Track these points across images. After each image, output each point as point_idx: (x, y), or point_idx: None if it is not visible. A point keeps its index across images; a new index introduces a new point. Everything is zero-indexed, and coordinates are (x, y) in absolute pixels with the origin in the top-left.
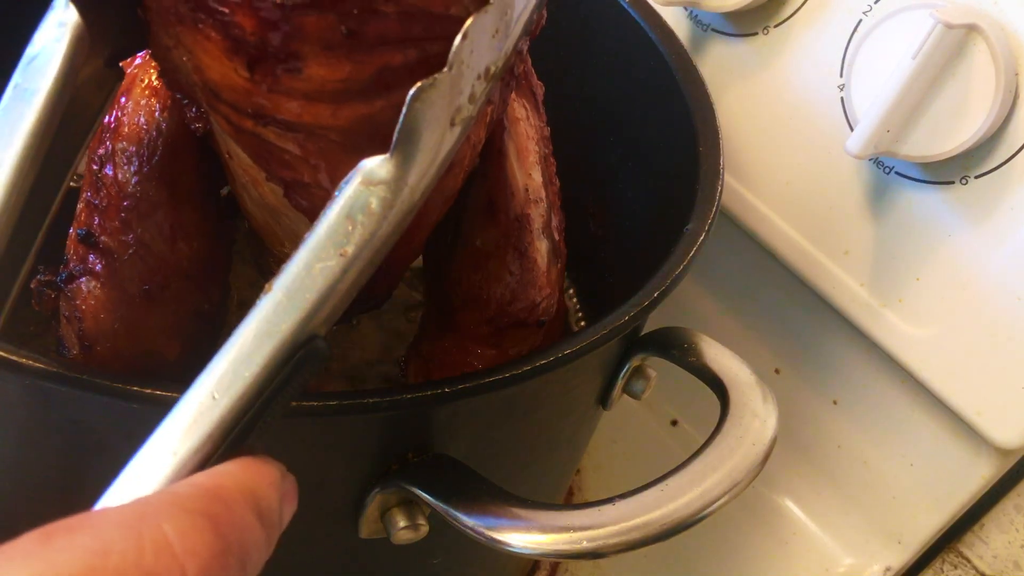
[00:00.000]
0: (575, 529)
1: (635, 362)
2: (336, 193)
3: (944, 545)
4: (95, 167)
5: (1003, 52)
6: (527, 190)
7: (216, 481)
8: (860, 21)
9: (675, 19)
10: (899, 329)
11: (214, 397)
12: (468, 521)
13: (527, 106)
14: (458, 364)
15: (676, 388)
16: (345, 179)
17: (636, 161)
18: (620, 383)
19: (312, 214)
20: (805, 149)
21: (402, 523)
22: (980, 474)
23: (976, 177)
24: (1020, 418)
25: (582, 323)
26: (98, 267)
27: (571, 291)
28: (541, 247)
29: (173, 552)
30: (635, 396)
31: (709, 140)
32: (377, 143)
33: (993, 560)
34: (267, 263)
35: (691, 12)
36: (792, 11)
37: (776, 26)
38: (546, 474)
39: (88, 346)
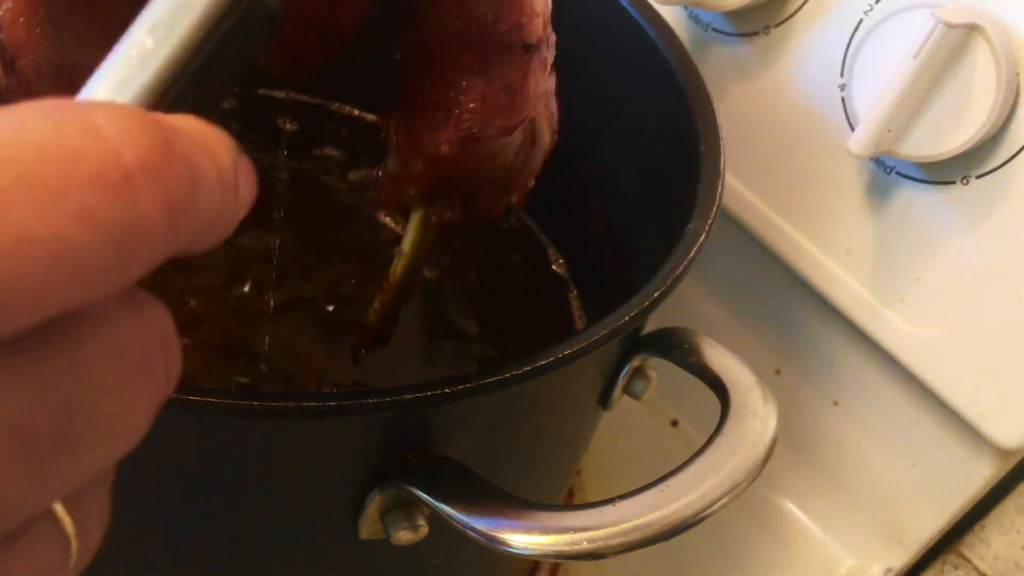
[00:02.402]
0: (575, 530)
1: (635, 362)
2: None
3: (945, 546)
4: None
5: (1004, 52)
6: None
7: (159, 115)
8: (861, 21)
9: (675, 19)
10: (900, 329)
11: (148, 46)
12: (468, 522)
13: None
14: (442, 101)
15: (676, 388)
16: None
17: (636, 161)
18: (620, 383)
19: None
20: (806, 149)
21: (402, 524)
22: (981, 475)
23: (977, 177)
24: (1022, 419)
25: (582, 323)
26: None
27: (571, 291)
28: None
29: (103, 137)
30: (635, 396)
31: (709, 140)
32: None
33: (994, 561)
34: None
35: (691, 12)
36: (793, 11)
37: (777, 26)
38: (546, 474)
39: (11, 62)
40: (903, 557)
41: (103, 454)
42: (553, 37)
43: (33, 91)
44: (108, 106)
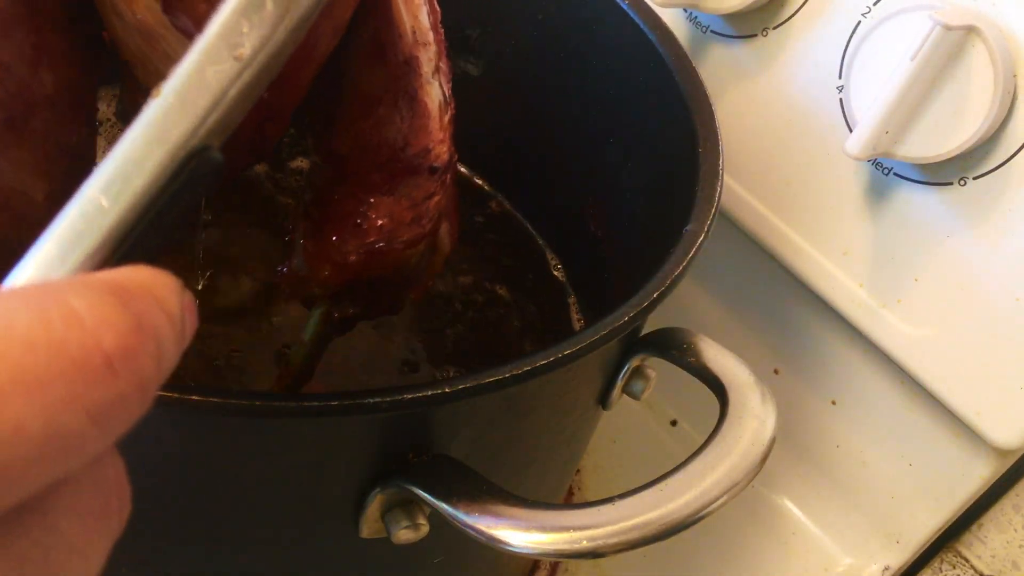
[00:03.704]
0: (575, 529)
1: (635, 362)
2: None
3: (943, 545)
4: None
5: (1001, 54)
6: (415, 32)
7: (115, 275)
8: (859, 23)
9: (674, 21)
10: (898, 329)
11: (103, 204)
12: (468, 521)
13: None
14: (351, 214)
15: (676, 388)
16: None
17: (636, 162)
18: (620, 383)
19: (191, 35)
20: (804, 150)
21: (402, 523)
22: (979, 474)
23: (975, 178)
24: (1018, 418)
25: (582, 323)
26: None
27: (571, 291)
28: (431, 91)
29: (84, 324)
30: (635, 396)
31: (708, 141)
32: None
33: (992, 560)
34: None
35: (690, 14)
36: (791, 13)
37: (775, 28)
38: (546, 474)
39: None
40: (901, 556)
41: None
42: (455, 156)
43: None
44: (82, 290)
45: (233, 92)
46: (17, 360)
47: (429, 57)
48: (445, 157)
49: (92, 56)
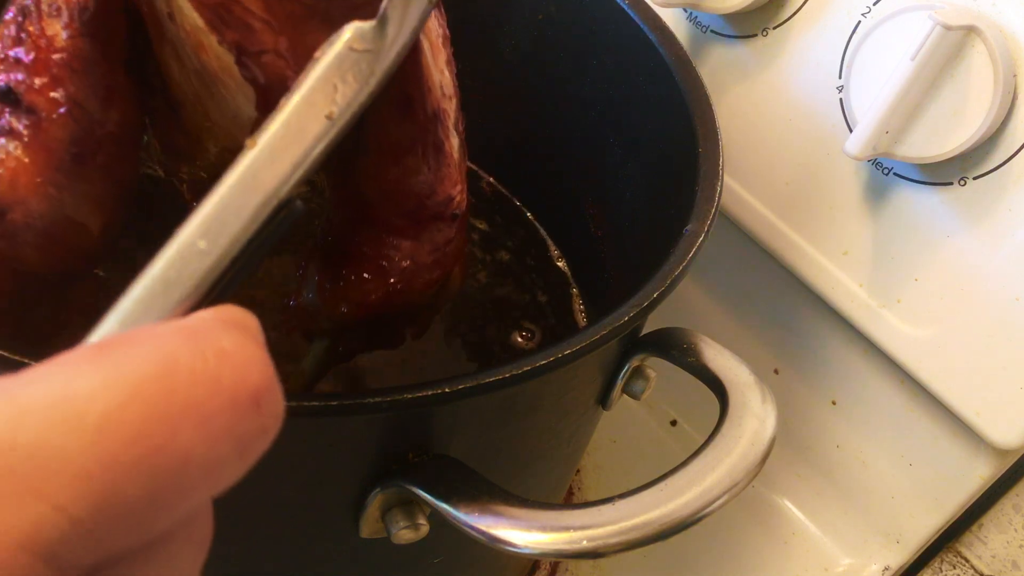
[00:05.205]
0: (575, 529)
1: (635, 362)
2: (317, 56)
3: (943, 545)
4: (18, 18)
5: (1001, 53)
6: (442, 86)
7: (239, 315)
8: (859, 23)
9: (674, 21)
10: (898, 329)
11: (201, 247)
12: (468, 521)
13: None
14: (374, 256)
15: (676, 388)
16: (327, 42)
17: (636, 162)
18: (620, 383)
19: (258, 85)
20: (804, 150)
21: (402, 523)
22: (978, 474)
23: (974, 178)
24: (1018, 418)
25: (582, 323)
26: (20, 126)
27: (571, 291)
28: (454, 142)
29: (234, 362)
30: (635, 396)
31: (709, 141)
32: (348, 13)
33: (992, 560)
34: (176, 142)
35: (690, 14)
36: (791, 13)
37: (775, 28)
38: (546, 474)
39: (2, 212)
40: (901, 556)
41: None
42: (470, 201)
43: (18, 242)
44: (228, 329)
45: (320, 148)
46: (185, 393)
47: (453, 109)
48: (464, 204)
49: (147, 94)
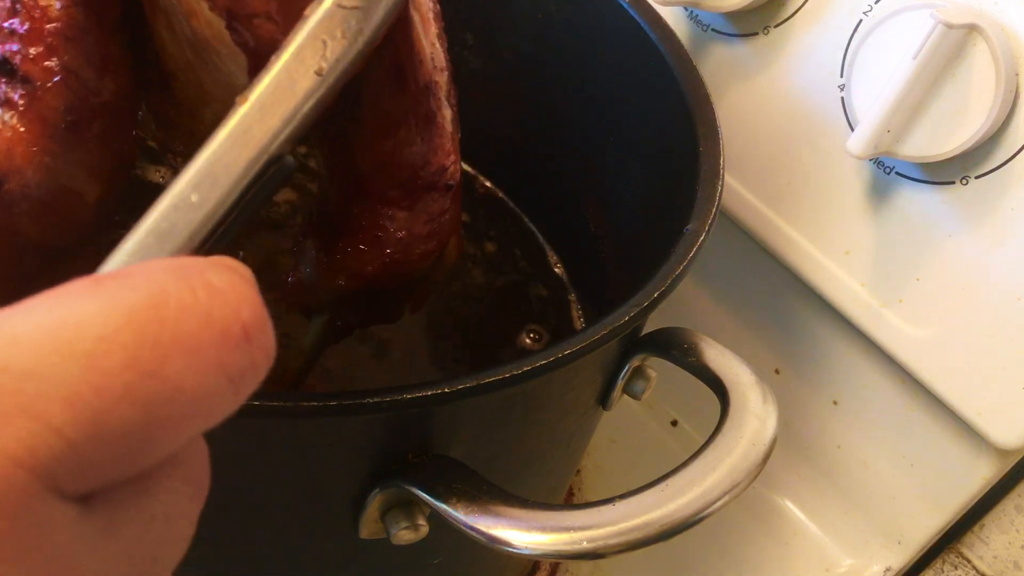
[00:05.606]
0: (575, 529)
1: (635, 362)
2: (306, 14)
3: (944, 546)
4: None
5: (1003, 52)
6: (433, 58)
7: (229, 261)
8: (860, 21)
9: (675, 19)
10: (899, 329)
11: (193, 200)
12: (468, 521)
13: None
14: (370, 227)
15: (676, 388)
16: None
17: (636, 161)
18: (620, 383)
19: (249, 50)
20: (805, 149)
21: (402, 523)
22: (980, 474)
23: (976, 177)
24: (1020, 418)
25: (582, 323)
26: (15, 96)
27: (571, 291)
28: (447, 113)
29: (225, 297)
30: (635, 396)
31: (709, 140)
32: None
33: (993, 560)
34: (167, 113)
35: (691, 12)
36: (792, 11)
37: (776, 26)
38: (546, 474)
39: None
40: (902, 556)
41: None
42: (459, 175)
43: (15, 212)
44: (218, 268)
45: (310, 104)
46: (175, 323)
47: (444, 81)
48: (458, 175)
49: (141, 66)
